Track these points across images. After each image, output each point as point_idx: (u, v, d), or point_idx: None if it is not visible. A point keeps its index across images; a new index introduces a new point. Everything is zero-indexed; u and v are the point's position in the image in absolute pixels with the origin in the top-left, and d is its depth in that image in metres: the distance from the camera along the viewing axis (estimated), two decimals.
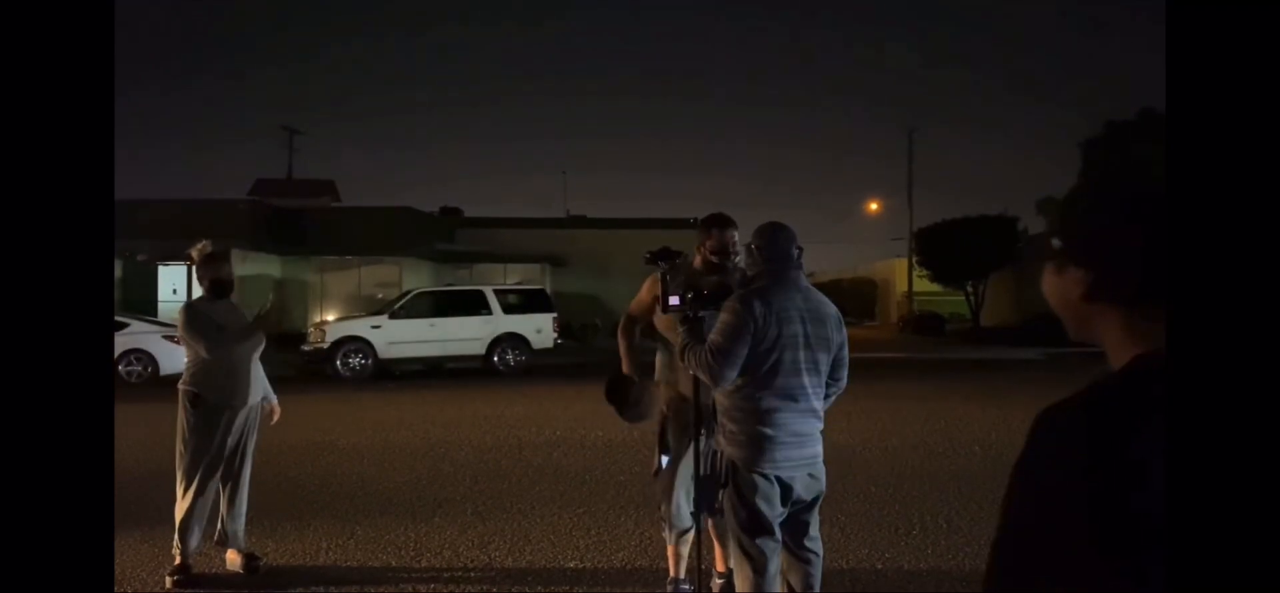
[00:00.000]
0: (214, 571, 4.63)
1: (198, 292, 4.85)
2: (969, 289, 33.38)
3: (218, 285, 4.63)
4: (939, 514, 5.69)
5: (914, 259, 33.99)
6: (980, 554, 4.70)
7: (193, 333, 4.46)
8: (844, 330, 3.29)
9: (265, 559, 4.74)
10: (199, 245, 4.67)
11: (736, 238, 3.70)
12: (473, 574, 4.61)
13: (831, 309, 3.22)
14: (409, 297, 18.18)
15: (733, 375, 3.07)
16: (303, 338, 17.56)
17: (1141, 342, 1.04)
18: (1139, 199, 1.08)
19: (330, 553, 4.97)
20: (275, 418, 4.92)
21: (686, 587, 3.95)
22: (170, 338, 15.05)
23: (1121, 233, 1.06)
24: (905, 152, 38.40)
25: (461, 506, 6.09)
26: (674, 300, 3.39)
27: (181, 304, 5.34)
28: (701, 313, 3.30)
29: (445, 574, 4.61)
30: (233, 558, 4.65)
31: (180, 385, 4.56)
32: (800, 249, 3.20)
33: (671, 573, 3.99)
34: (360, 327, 17.08)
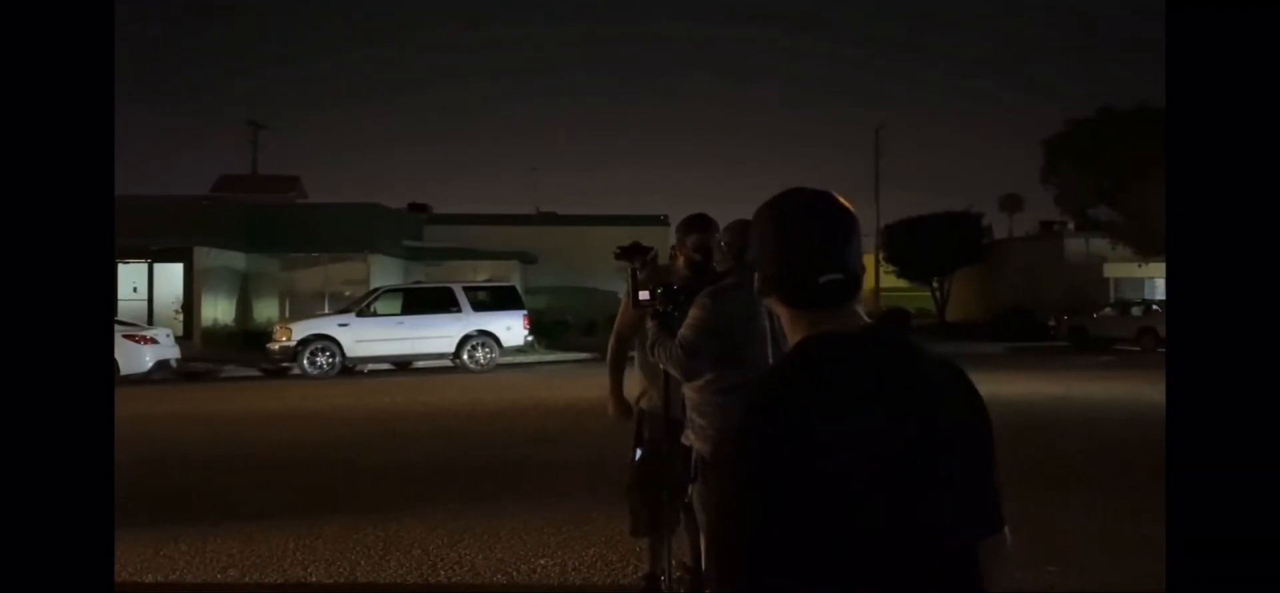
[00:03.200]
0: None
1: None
2: (934, 285, 33.81)
3: None
4: None
5: (881, 255, 34.36)
6: None
7: None
8: None
9: (232, 563, 4.69)
10: None
11: (718, 236, 3.69)
12: (443, 572, 4.59)
13: None
14: (377, 294, 18.01)
15: (702, 370, 3.10)
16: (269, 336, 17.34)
17: (806, 330, 1.29)
18: (780, 224, 1.32)
19: (298, 554, 4.91)
20: None
21: (661, 580, 3.97)
22: (131, 337, 14.78)
23: (765, 252, 1.33)
24: (872, 148, 38.76)
25: (432, 504, 6.06)
26: (644, 296, 3.40)
27: None
28: (672, 309, 3.32)
29: (415, 573, 4.58)
30: None
31: None
32: None
33: (647, 569, 4.01)
34: (327, 325, 16.89)
